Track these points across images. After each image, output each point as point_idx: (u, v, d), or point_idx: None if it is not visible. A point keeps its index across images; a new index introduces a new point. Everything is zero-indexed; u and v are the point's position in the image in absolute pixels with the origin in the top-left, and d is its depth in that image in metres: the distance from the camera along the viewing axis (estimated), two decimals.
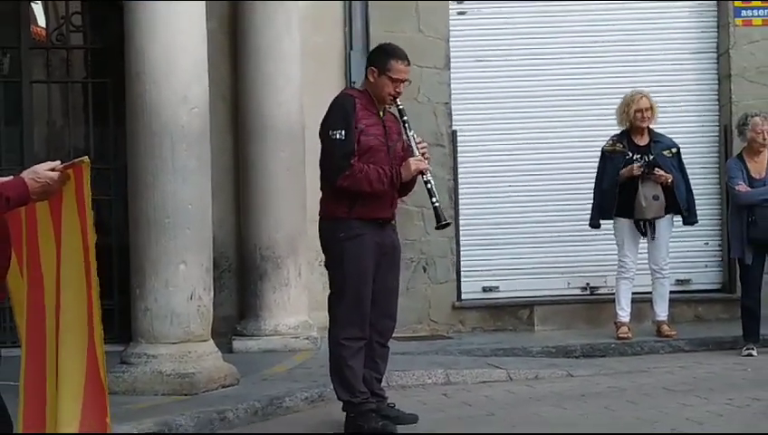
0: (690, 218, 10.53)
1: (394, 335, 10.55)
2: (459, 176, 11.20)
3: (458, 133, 11.33)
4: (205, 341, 8.41)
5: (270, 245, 10.31)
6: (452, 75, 11.37)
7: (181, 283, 8.24)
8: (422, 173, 7.14)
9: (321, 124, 7.20)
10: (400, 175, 7.05)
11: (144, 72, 8.27)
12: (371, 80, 7.20)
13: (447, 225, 7.51)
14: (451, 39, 11.36)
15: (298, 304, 10.36)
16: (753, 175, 10.05)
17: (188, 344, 8.26)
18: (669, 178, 10.25)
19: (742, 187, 9.92)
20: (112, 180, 10.61)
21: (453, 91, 11.37)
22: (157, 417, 7.32)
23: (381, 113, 7.26)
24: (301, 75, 10.45)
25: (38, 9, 11.43)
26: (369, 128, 7.08)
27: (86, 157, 4.42)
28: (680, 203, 10.37)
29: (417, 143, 7.21)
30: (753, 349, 9.87)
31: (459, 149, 11.31)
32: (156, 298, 8.24)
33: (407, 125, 7.29)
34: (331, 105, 7.23)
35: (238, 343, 10.22)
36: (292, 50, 10.44)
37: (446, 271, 11.34)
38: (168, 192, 8.21)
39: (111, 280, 10.43)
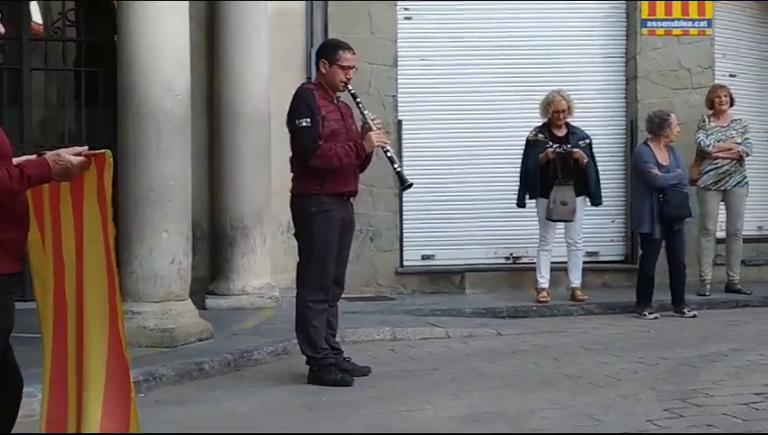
0: (596, 200, 10.51)
1: (345, 296, 10.57)
2: (403, 159, 11.05)
3: (403, 122, 11.33)
4: (184, 300, 8.28)
5: (239, 216, 10.23)
6: (399, 72, 11.33)
7: (163, 249, 8.11)
8: (382, 145, 7.10)
9: (288, 116, 7.11)
10: (363, 148, 7.01)
11: (134, 65, 8.12)
12: (324, 71, 7.14)
13: (410, 186, 7.41)
14: (398, 40, 11.33)
15: (263, 267, 10.26)
16: (661, 162, 10.05)
17: (169, 303, 8.14)
18: (585, 159, 10.22)
19: (655, 170, 9.87)
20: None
21: (399, 86, 11.33)
22: (142, 367, 7.13)
23: (336, 101, 7.21)
24: (268, 70, 10.35)
25: (36, 6, 11.24)
26: (329, 114, 7.04)
27: (108, 151, 4.18)
28: (590, 187, 10.34)
29: (372, 120, 7.15)
30: (655, 312, 9.93)
31: (404, 136, 11.30)
32: (141, 262, 8.10)
33: (361, 105, 7.23)
34: (293, 98, 7.14)
35: (210, 301, 10.11)
36: (261, 48, 10.37)
37: (391, 241, 11.31)
38: (153, 170, 8.07)
39: None
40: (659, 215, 9.85)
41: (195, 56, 10.07)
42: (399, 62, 11.31)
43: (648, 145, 10.18)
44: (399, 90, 11.31)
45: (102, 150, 4.16)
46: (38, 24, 11.30)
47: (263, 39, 10.37)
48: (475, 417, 6.05)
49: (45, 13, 11.46)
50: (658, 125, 10.13)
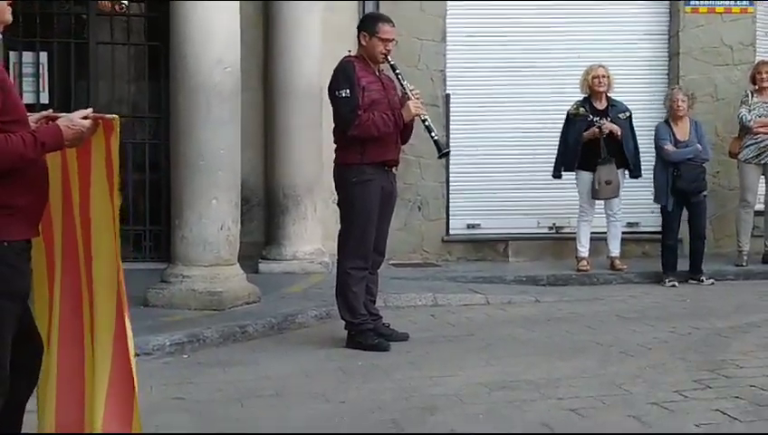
0: (635, 172, 10.11)
1: (393, 262, 10.36)
2: (451, 132, 10.89)
3: (451, 96, 10.99)
4: (232, 265, 8.05)
5: (291, 185, 10.01)
6: (447, 47, 10.98)
7: (213, 216, 7.89)
8: (419, 114, 6.81)
9: (329, 87, 6.88)
10: (402, 117, 6.72)
11: (185, 39, 7.87)
12: (364, 43, 6.86)
13: (448, 153, 7.20)
14: (447, 17, 10.96)
15: (313, 234, 10.04)
16: (679, 138, 9.78)
17: (218, 268, 7.92)
18: (617, 130, 9.83)
19: (669, 147, 9.65)
20: (161, 127, 10.37)
21: (447, 61, 10.98)
22: (187, 329, 6.98)
23: (377, 73, 6.91)
24: (320, 47, 10.03)
25: None
26: (369, 84, 6.75)
27: (116, 115, 3.88)
28: (628, 159, 9.95)
29: (410, 90, 6.86)
30: (674, 280, 9.64)
31: (451, 109, 10.98)
32: (191, 228, 7.90)
33: (400, 76, 6.93)
34: (334, 70, 6.88)
35: (263, 266, 9.89)
36: (313, 25, 10.08)
37: (438, 210, 11.01)
38: (203, 139, 7.84)
39: (159, 209, 10.18)
40: (672, 188, 9.62)
41: (250, 33, 9.99)
42: (448, 38, 10.96)
43: (668, 121, 9.94)
44: (447, 65, 10.96)
45: (111, 115, 3.86)
46: (104, 1, 11.15)
47: (315, 16, 10.08)
48: (505, 384, 5.74)
49: None
50: (664, 102, 10.07)
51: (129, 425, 3.95)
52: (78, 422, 4.02)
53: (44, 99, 10.61)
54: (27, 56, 10.56)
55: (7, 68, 10.45)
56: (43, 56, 10.60)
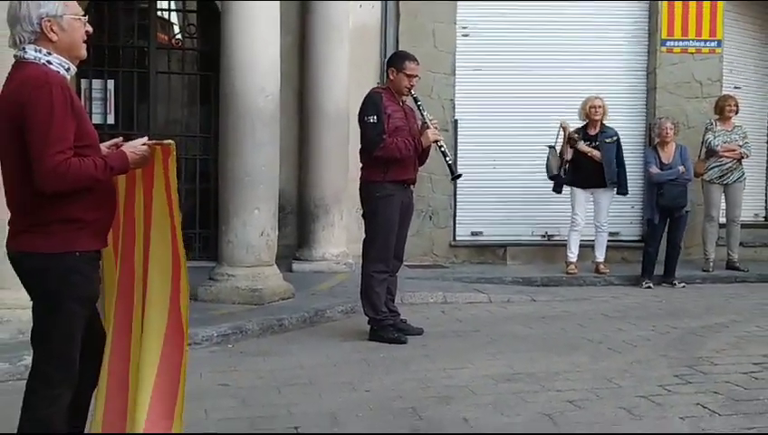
0: (622, 190, 9.88)
1: (408, 264, 10.13)
2: (458, 152, 10.63)
3: (459, 121, 10.77)
4: (270, 265, 7.88)
5: (321, 196, 9.80)
6: (456, 79, 10.76)
7: (255, 223, 7.73)
8: (437, 141, 6.67)
9: (359, 113, 6.70)
10: (421, 143, 6.60)
11: (233, 68, 7.71)
12: (392, 78, 6.71)
13: (459, 176, 7.02)
14: (457, 53, 10.76)
15: (339, 238, 9.82)
16: (664, 161, 9.60)
17: (258, 268, 7.75)
18: (596, 155, 9.66)
19: (654, 169, 9.50)
20: (210, 145, 10.21)
21: (456, 91, 10.76)
22: (231, 322, 6.80)
23: (401, 103, 6.74)
24: (348, 76, 9.84)
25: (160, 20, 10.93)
26: (394, 113, 6.60)
27: (171, 141, 3.69)
28: (607, 178, 9.67)
29: (430, 120, 6.74)
30: (650, 283, 9.45)
31: (459, 133, 10.75)
32: (236, 234, 7.73)
33: (421, 107, 6.80)
34: (364, 99, 6.72)
35: (296, 265, 9.67)
36: (342, 58, 9.86)
37: (446, 219, 10.79)
38: (248, 158, 7.69)
39: (208, 215, 10.03)
40: (656, 204, 9.47)
41: (287, 64, 9.81)
42: (457, 72, 10.74)
43: (655, 146, 9.80)
44: (456, 94, 10.75)
45: (167, 141, 3.68)
46: (163, 35, 11.01)
47: (344, 50, 9.87)
48: (509, 377, 5.54)
49: (169, 26, 11.18)
50: (651, 129, 10.02)
51: (170, 424, 3.73)
52: (122, 413, 3.79)
53: (111, 120, 10.48)
54: (96, 83, 10.42)
55: (79, 93, 10.38)
56: (110, 83, 10.45)
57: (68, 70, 3.43)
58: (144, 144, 3.59)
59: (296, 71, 10.17)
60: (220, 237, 7.90)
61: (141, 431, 3.65)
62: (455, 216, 10.84)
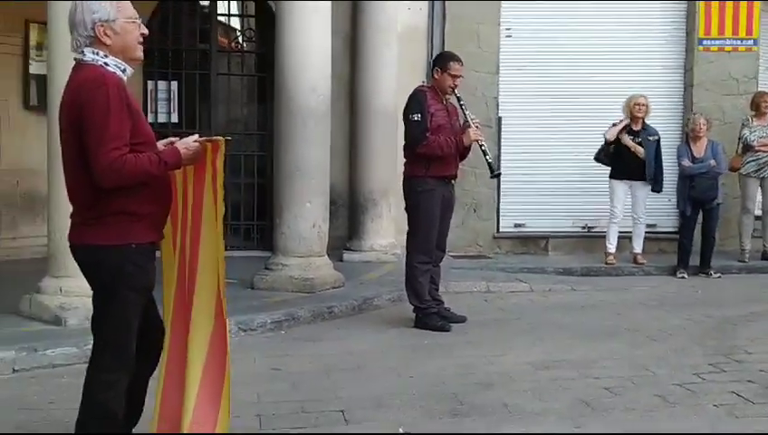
0: (657, 187, 9.63)
1: (453, 254, 10.05)
2: (502, 148, 10.49)
3: (503, 119, 10.56)
4: (321, 256, 7.80)
5: (370, 190, 9.70)
6: (500, 78, 10.55)
7: (307, 216, 7.64)
8: (477, 140, 6.53)
9: (404, 111, 6.62)
10: (462, 141, 6.48)
11: (286, 69, 7.63)
12: (436, 77, 6.59)
13: (499, 175, 6.86)
14: (500, 53, 10.55)
15: (388, 230, 9.71)
16: (696, 155, 9.39)
17: (310, 258, 7.67)
18: (641, 151, 9.45)
19: (686, 163, 9.31)
20: (266, 142, 10.11)
21: (500, 90, 10.55)
22: (285, 309, 6.76)
23: (444, 102, 6.61)
24: (396, 76, 9.70)
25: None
26: (437, 111, 6.48)
27: (222, 137, 3.65)
28: (647, 175, 9.49)
29: (472, 119, 6.59)
30: (685, 272, 9.22)
31: (503, 129, 10.55)
32: (289, 226, 7.66)
33: (463, 106, 6.66)
34: (409, 97, 6.65)
35: (347, 255, 9.58)
36: (391, 58, 9.73)
37: (490, 212, 10.60)
38: (300, 153, 7.60)
39: (265, 207, 10.02)
40: (688, 197, 9.28)
41: (339, 64, 9.75)
42: (501, 71, 10.54)
43: (687, 141, 9.59)
44: (500, 93, 10.54)
45: (218, 137, 3.63)
46: (223, 39, 11.04)
47: (393, 51, 9.75)
48: (548, 364, 5.44)
49: (229, 29, 11.19)
50: (686, 124, 9.74)
51: (214, 421, 3.65)
52: (178, 409, 3.74)
53: (174, 119, 10.53)
54: (161, 84, 10.48)
55: (145, 94, 10.45)
56: (174, 84, 10.51)
57: (124, 71, 3.40)
58: (196, 141, 3.54)
59: (347, 71, 10.09)
60: (274, 229, 7.87)
61: (187, 431, 3.60)
62: (498, 208, 10.67)
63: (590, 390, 4.81)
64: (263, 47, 10.54)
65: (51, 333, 5.62)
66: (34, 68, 9.36)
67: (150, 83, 10.45)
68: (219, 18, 10.87)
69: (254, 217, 10.43)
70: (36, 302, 6.07)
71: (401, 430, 4.17)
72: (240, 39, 11.07)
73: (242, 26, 11.18)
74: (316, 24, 7.59)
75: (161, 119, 10.45)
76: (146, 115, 10.18)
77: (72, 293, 5.86)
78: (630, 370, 5.24)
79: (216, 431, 3.70)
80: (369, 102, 9.69)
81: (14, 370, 5.16)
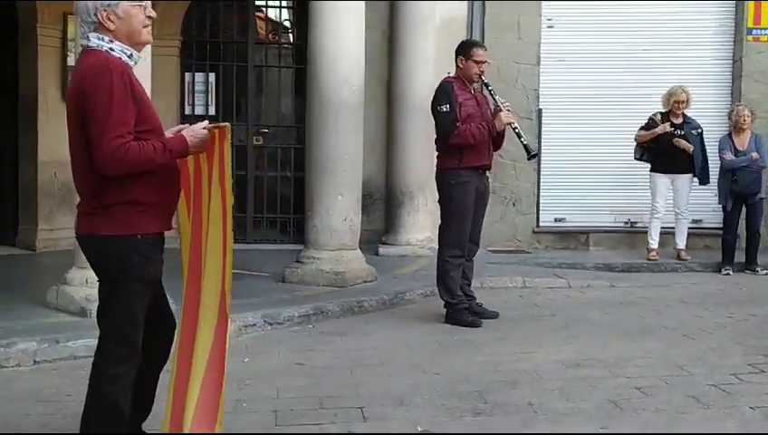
0: (703, 180, 9.37)
1: (491, 248, 9.91)
2: (542, 141, 10.31)
3: (543, 111, 10.38)
4: (353, 250, 7.69)
5: (407, 184, 9.60)
6: (541, 70, 10.36)
7: (338, 209, 7.55)
8: (510, 123, 6.32)
9: (432, 103, 6.50)
10: (495, 126, 6.27)
11: (319, 63, 7.53)
12: (461, 66, 6.43)
13: (536, 155, 6.63)
14: (542, 44, 10.36)
15: (424, 224, 9.57)
16: (738, 148, 9.13)
17: (342, 252, 7.57)
18: (690, 148, 9.18)
19: (728, 156, 9.05)
20: (303, 135, 9.99)
21: (541, 81, 10.36)
22: (313, 303, 6.67)
23: (473, 91, 6.46)
24: (434, 68, 9.46)
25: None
26: (466, 101, 6.33)
27: (228, 124, 3.54)
28: (696, 168, 9.24)
29: (502, 103, 6.39)
30: (729, 269, 8.97)
31: (543, 121, 10.37)
32: (320, 219, 7.57)
33: (492, 91, 6.47)
34: (436, 89, 6.51)
35: (382, 250, 9.49)
36: (428, 51, 9.61)
37: (530, 206, 10.43)
38: (332, 146, 7.50)
39: (302, 200, 9.94)
40: (731, 191, 9.02)
41: (376, 56, 9.69)
42: (542, 62, 10.35)
43: (731, 134, 9.28)
44: (541, 84, 10.35)
45: (224, 124, 3.52)
46: (260, 31, 10.99)
47: (429, 42, 9.61)
48: (579, 362, 5.26)
49: (266, 21, 11.15)
50: (729, 116, 9.44)
51: (215, 421, 3.56)
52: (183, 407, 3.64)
53: (212, 111, 10.54)
54: (199, 76, 10.50)
55: (182, 86, 10.45)
56: (212, 76, 10.51)
57: (130, 56, 3.32)
58: (204, 127, 3.44)
59: (385, 66, 10.01)
60: (306, 222, 7.78)
61: (188, 431, 3.51)
62: (538, 202, 10.48)
63: (621, 390, 4.63)
64: (300, 39, 10.48)
65: (75, 325, 5.60)
66: (71, 60, 9.39)
67: (188, 75, 10.47)
68: (258, 10, 10.84)
69: (291, 211, 10.38)
70: (63, 293, 6.07)
71: (419, 429, 4.04)
72: (277, 31, 11.01)
73: (279, 18, 11.13)
74: (349, 16, 7.50)
75: (198, 111, 10.45)
76: (183, 107, 10.48)
77: (97, 284, 5.82)
78: (665, 369, 5.04)
79: (216, 431, 3.58)
80: (407, 96, 9.59)
81: (35, 361, 5.13)
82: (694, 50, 10.41)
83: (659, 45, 10.35)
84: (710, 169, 9.38)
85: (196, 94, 10.47)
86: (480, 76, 6.40)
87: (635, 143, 9.48)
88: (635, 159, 9.55)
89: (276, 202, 10.50)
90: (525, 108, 10.24)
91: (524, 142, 6.41)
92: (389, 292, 7.25)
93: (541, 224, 10.52)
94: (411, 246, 9.42)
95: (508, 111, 6.35)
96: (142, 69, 3.88)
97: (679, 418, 4.16)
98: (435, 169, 6.71)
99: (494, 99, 6.43)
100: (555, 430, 4.02)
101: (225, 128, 3.46)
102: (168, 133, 3.51)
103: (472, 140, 6.21)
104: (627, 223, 10.49)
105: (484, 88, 6.52)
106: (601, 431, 3.99)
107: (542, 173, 10.41)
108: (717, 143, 9.31)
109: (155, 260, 3.38)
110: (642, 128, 9.42)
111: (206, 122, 3.49)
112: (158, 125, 3.38)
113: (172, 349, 3.67)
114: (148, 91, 3.95)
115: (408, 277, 8.05)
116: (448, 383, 4.78)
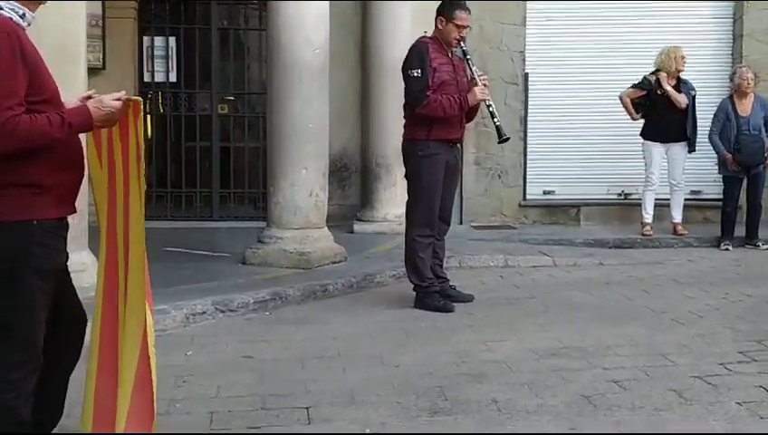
0: (691, 147, 9.08)
1: (474, 224, 9.67)
2: (529, 107, 10.06)
3: (530, 75, 10.12)
4: (320, 228, 7.45)
5: (383, 155, 9.32)
6: (527, 30, 10.07)
7: (303, 183, 7.30)
8: (485, 100, 6.04)
9: (403, 65, 6.18)
10: (467, 100, 5.99)
11: (279, 23, 7.24)
12: (440, 27, 6.12)
13: (507, 139, 6.32)
14: (527, 2, 10.06)
15: (402, 198, 8.93)
16: (741, 113, 8.84)
17: (307, 230, 7.33)
18: (684, 102, 8.89)
19: (719, 145, 8.88)
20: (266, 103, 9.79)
21: (527, 43, 10.08)
22: (272, 287, 6.43)
23: (450, 54, 6.16)
24: (411, 29, 9.13)
25: None
26: (441, 66, 6.03)
27: (140, 98, 3.28)
28: (689, 132, 8.97)
29: (479, 75, 6.10)
30: (729, 244, 8.75)
31: (530, 87, 10.11)
32: (284, 195, 7.33)
33: (470, 62, 6.17)
34: (409, 50, 6.19)
35: (357, 226, 9.28)
36: (405, 9, 9.29)
37: (516, 178, 10.18)
38: (295, 114, 7.24)
39: (266, 173, 9.72)
40: (733, 160, 8.77)
41: (348, 13, 9.36)
42: (528, 22, 10.05)
43: (731, 96, 8.97)
44: (527, 46, 10.07)
45: (135, 97, 3.26)
46: None
47: (406, 3, 9.29)
48: (554, 351, 5.03)
49: None
50: (731, 78, 9.13)
51: (151, 421, 3.34)
52: (112, 409, 3.42)
53: (173, 78, 10.26)
54: (158, 41, 10.21)
55: (141, 51, 10.14)
56: (173, 40, 10.22)
57: (23, 16, 3.05)
58: (117, 98, 3.16)
59: (358, 21, 9.71)
60: (268, 198, 7.54)
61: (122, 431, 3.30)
62: (525, 174, 10.22)
63: (597, 383, 4.40)
64: None
65: None
66: None
67: (147, 40, 10.19)
68: None
69: (261, 185, 10.10)
70: None
71: (368, 431, 3.80)
72: None
73: None
74: None
75: (159, 78, 10.17)
76: (141, 75, 10.18)
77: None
78: (647, 359, 4.81)
79: (153, 432, 3.37)
80: (382, 57, 9.27)
81: None
82: (690, 8, 10.13)
83: (654, 3, 10.04)
84: (698, 136, 9.10)
85: (155, 60, 10.17)
86: (459, 42, 6.10)
87: (628, 107, 9.18)
88: (639, 117, 9.22)
89: (244, 176, 10.24)
90: (510, 72, 9.98)
91: (497, 123, 6.14)
92: (358, 274, 7.02)
93: (528, 197, 10.28)
94: (389, 223, 9.17)
95: (485, 85, 6.06)
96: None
97: (656, 416, 3.93)
98: (401, 138, 6.43)
99: (471, 69, 6.14)
100: (517, 430, 3.79)
101: (138, 102, 3.20)
102: (76, 101, 3.25)
103: (441, 112, 5.95)
104: (620, 195, 10.24)
105: (462, 55, 6.21)
106: (570, 432, 3.76)
107: (529, 142, 10.16)
108: (716, 108, 9.04)
109: (56, 249, 3.13)
110: (634, 86, 9.13)
111: (122, 93, 3.21)
112: (55, 94, 3.12)
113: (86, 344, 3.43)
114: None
115: (382, 257, 7.81)
116: (408, 378, 4.54)
